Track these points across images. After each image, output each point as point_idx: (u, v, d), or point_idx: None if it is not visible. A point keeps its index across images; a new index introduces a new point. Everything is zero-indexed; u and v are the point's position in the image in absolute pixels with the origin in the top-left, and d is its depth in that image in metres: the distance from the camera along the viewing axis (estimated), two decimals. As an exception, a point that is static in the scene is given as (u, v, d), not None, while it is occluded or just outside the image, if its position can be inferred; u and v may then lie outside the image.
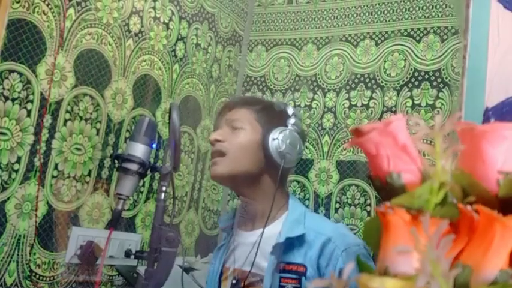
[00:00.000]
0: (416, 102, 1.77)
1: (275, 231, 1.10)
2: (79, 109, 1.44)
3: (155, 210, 1.17)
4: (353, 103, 1.90)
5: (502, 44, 0.56)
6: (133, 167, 1.15)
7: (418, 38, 1.81)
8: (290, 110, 1.19)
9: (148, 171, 1.18)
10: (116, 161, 1.16)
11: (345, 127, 1.87)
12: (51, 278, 1.39)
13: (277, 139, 1.12)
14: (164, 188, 1.17)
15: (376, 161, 0.35)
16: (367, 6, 1.93)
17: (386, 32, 1.88)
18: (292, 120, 1.17)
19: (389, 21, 1.89)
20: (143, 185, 1.68)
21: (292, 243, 1.08)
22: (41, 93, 1.33)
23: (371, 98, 1.87)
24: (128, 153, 1.15)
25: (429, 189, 0.33)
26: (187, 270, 1.79)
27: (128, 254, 1.32)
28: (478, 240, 0.30)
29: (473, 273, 0.29)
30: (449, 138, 0.34)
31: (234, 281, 1.10)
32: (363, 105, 1.88)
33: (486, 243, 0.29)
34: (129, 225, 1.66)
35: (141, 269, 1.64)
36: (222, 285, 1.18)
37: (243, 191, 1.18)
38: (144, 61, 1.66)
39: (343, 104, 1.91)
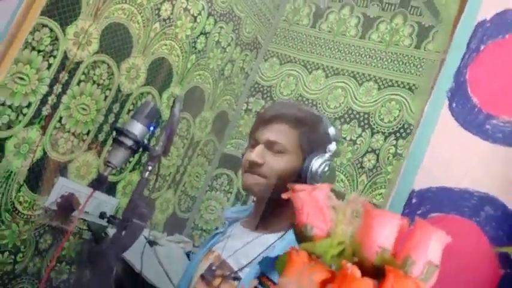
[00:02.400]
0: (399, 151, 1.90)
1: (271, 241, 1.07)
2: (94, 74, 1.56)
3: (137, 184, 1.30)
4: (343, 135, 2.02)
5: (442, 142, 0.69)
6: (128, 142, 1.27)
7: (416, 94, 1.94)
8: (332, 133, 1.12)
9: (140, 150, 1.31)
10: (114, 132, 1.29)
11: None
12: (29, 216, 1.52)
13: (317, 173, 1.07)
14: (150, 168, 1.30)
15: (299, 214, 0.47)
16: (380, 51, 2.06)
17: (390, 80, 2.01)
18: (333, 147, 1.11)
19: (396, 71, 2.01)
20: (133, 156, 1.80)
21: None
22: (65, 52, 1.45)
23: (360, 135, 2.00)
24: (126, 128, 1.27)
25: (328, 244, 0.45)
26: (151, 243, 1.91)
27: (102, 215, 1.44)
28: (345, 287, 0.42)
29: (333, 310, 0.41)
30: (355, 212, 0.47)
31: (212, 267, 1.10)
32: (351, 139, 2.01)
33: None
34: (110, 189, 1.79)
35: (110, 231, 1.77)
36: (200, 263, 1.18)
37: (267, 204, 1.13)
38: (165, 45, 1.79)
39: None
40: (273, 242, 1.05)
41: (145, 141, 1.31)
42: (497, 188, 0.62)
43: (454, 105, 0.68)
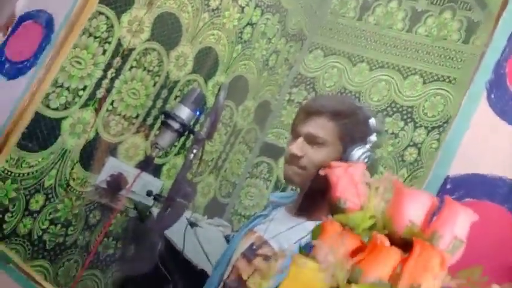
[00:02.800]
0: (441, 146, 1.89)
1: (309, 229, 1.01)
2: (145, 60, 1.64)
3: (182, 166, 1.37)
4: (385, 129, 2.02)
5: (479, 130, 0.71)
6: (175, 125, 1.35)
7: (459, 88, 1.92)
8: (373, 124, 1.14)
9: (186, 133, 1.38)
10: (162, 116, 1.36)
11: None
12: (80, 193, 1.62)
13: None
14: (195, 151, 1.37)
15: (335, 188, 0.51)
16: (426, 45, 2.04)
17: (436, 74, 1.99)
18: (373, 138, 1.12)
19: (442, 65, 1.99)
20: (179, 139, 1.87)
21: None
22: (119, 39, 1.53)
23: (402, 129, 2.00)
24: (174, 112, 1.34)
25: (361, 217, 0.49)
26: (192, 224, 1.99)
27: (149, 193, 1.52)
28: (373, 256, 0.46)
29: (362, 275, 0.45)
30: (387, 189, 0.50)
31: (253, 246, 1.15)
32: (393, 133, 2.01)
33: (376, 258, 0.45)
34: (156, 171, 1.87)
35: (154, 210, 1.86)
36: (241, 242, 1.22)
37: (309, 192, 1.16)
38: (213, 35, 1.84)
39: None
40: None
41: (191, 126, 1.38)
42: (531, 177, 0.64)
43: (492, 96, 0.70)
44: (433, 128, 1.94)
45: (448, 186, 0.69)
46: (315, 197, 1.13)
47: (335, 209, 0.51)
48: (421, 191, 0.49)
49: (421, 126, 1.97)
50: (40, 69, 1.22)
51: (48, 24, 1.27)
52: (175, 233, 1.71)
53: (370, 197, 0.50)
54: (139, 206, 1.81)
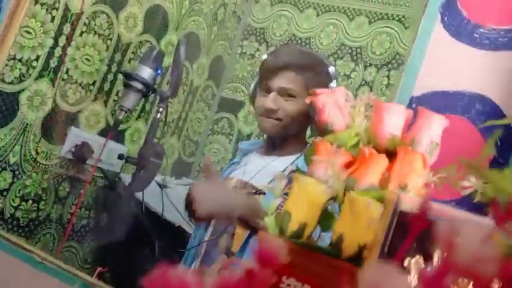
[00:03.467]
0: (391, 82, 1.99)
1: (286, 162, 1.24)
2: (95, 24, 1.60)
3: (150, 126, 1.38)
4: (338, 71, 2.10)
5: (437, 51, 0.77)
6: (138, 85, 1.35)
7: (407, 25, 2.01)
8: (332, 72, 1.28)
9: (150, 93, 1.38)
10: (124, 78, 1.36)
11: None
12: (47, 166, 1.60)
13: None
14: (161, 109, 1.38)
15: (321, 113, 0.56)
16: (369, -15, 2.10)
17: (380, 13, 2.07)
18: (333, 85, 1.27)
19: (385, 4, 2.06)
20: (143, 99, 1.85)
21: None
22: (66, 3, 1.48)
23: (353, 70, 2.08)
24: (136, 72, 1.35)
25: (347, 135, 0.54)
26: (161, 186, 2.01)
27: (120, 157, 1.53)
28: (363, 166, 0.52)
29: (356, 183, 0.51)
30: (367, 106, 0.55)
31: (236, 189, 1.24)
32: (345, 74, 2.09)
33: (366, 168, 0.51)
34: (119, 137, 1.87)
35: (123, 176, 1.87)
36: None
37: (279, 135, 1.29)
38: (159, -8, 1.82)
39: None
40: (293, 160, 1.23)
41: (154, 85, 1.39)
42: (486, 88, 0.72)
43: (445, 18, 0.76)
44: (382, 65, 2.03)
45: (414, 106, 0.75)
46: (285, 138, 1.27)
47: (323, 131, 0.56)
48: (396, 104, 0.55)
49: (371, 65, 2.06)
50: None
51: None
52: (149, 197, 1.74)
53: (353, 117, 0.55)
54: (108, 173, 1.81)
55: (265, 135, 1.39)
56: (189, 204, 0.94)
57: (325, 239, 0.55)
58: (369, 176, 0.51)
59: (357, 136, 0.55)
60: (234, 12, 2.27)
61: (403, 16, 2.02)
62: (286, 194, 0.55)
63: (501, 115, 0.72)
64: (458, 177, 0.51)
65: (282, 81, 1.24)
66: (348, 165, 0.53)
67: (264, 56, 1.34)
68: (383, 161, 0.51)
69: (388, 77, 2.01)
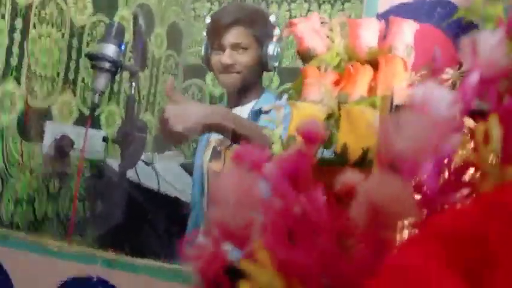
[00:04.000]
0: (347, 14, 2.02)
1: (248, 108, 1.37)
2: (46, 13, 1.57)
3: (126, 103, 1.39)
4: (293, 15, 2.12)
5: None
6: (106, 65, 1.35)
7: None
8: (274, 20, 1.39)
9: (119, 70, 1.38)
10: (90, 59, 1.35)
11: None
12: (31, 166, 1.60)
13: (274, 55, 1.35)
14: (134, 84, 1.39)
15: (301, 41, 0.59)
16: None
17: None
18: (277, 32, 1.38)
19: None
20: (113, 77, 1.84)
21: (258, 115, 1.33)
22: (11, -1, 1.45)
23: (309, 10, 2.10)
24: (100, 52, 1.34)
25: (329, 56, 0.58)
26: (148, 163, 2.02)
27: (105, 139, 1.54)
28: (351, 81, 0.56)
29: (348, 96, 0.55)
30: (343, 30, 0.59)
31: (217, 148, 1.35)
32: (301, 15, 2.11)
33: (354, 82, 0.55)
34: (94, 123, 1.86)
35: (109, 161, 1.88)
36: (204, 155, 1.40)
37: (240, 90, 1.40)
38: (101, -31, 1.77)
39: (285, 16, 2.13)
40: (253, 105, 1.35)
41: (121, 61, 1.38)
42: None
43: None
44: (335, 0, 2.06)
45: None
46: (244, 89, 1.37)
47: (307, 58, 0.60)
48: (368, 18, 0.59)
49: (324, 2, 2.08)
50: None
51: None
52: (141, 175, 1.76)
53: (332, 38, 0.59)
54: (93, 162, 1.81)
55: (225, 92, 1.50)
56: (163, 127, 0.99)
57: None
58: (357, 88, 0.55)
59: (338, 56, 0.59)
60: (179, -25, 2.24)
61: None
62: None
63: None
64: (436, 72, 0.55)
65: (233, 36, 1.33)
66: (336, 84, 0.57)
67: (208, 18, 1.41)
68: (368, 72, 0.55)
69: (343, 10, 2.04)
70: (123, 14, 1.91)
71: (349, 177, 0.29)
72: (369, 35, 0.58)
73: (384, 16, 0.80)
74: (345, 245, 0.27)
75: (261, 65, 1.37)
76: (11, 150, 1.52)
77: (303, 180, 0.29)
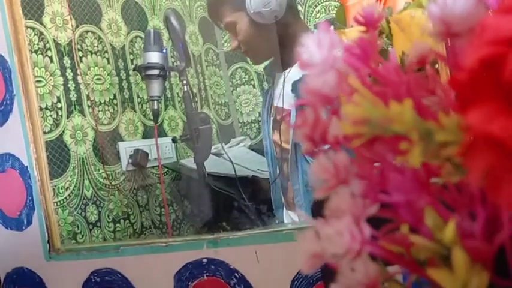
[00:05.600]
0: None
1: (297, 69, 1.32)
2: (87, 45, 1.66)
3: (183, 101, 1.45)
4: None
5: None
6: (155, 72, 1.41)
7: None
8: None
9: (168, 73, 1.44)
10: (139, 72, 1.42)
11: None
12: (117, 186, 1.71)
13: (254, 11, 1.27)
14: (185, 82, 1.44)
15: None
16: None
17: None
18: None
19: None
20: (166, 81, 1.92)
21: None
22: (54, 40, 1.54)
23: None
24: (147, 62, 1.40)
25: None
26: (218, 155, 2.09)
27: (174, 140, 1.61)
28: None
29: (392, 9, 0.56)
30: None
31: (272, 117, 1.39)
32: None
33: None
34: (160, 132, 1.95)
35: (183, 161, 1.97)
36: (269, 119, 1.44)
37: (268, 53, 1.43)
38: (123, -12, 1.84)
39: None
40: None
41: (167, 64, 1.44)
42: None
43: None
44: None
45: None
46: (282, 51, 1.35)
47: None
48: None
49: None
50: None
51: (3, 67, 1.29)
52: (215, 166, 1.83)
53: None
54: (170, 166, 1.91)
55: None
56: None
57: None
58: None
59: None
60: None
61: None
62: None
63: None
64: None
65: (225, 22, 1.35)
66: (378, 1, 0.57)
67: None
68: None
69: None
70: (154, 23, 1.97)
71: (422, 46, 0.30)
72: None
73: None
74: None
75: (260, 29, 1.30)
76: (95, 177, 1.63)
77: (373, 57, 0.30)
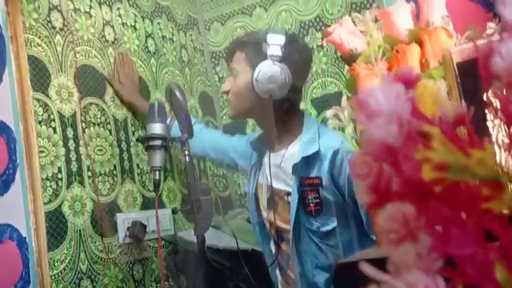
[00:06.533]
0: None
1: (294, 151, 1.33)
2: (90, 117, 1.68)
3: (185, 171, 1.44)
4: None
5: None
6: (158, 142, 1.42)
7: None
8: (269, 39, 1.23)
9: (170, 143, 1.45)
10: (142, 143, 1.42)
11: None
12: (113, 259, 1.66)
13: (258, 80, 1.26)
14: (187, 152, 1.45)
15: (341, 46, 0.63)
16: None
17: (318, -21, 2.16)
18: (271, 51, 1.22)
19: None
20: (167, 151, 1.91)
21: (308, 161, 1.30)
22: (58, 112, 1.56)
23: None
24: (150, 133, 1.41)
25: (372, 49, 0.61)
26: (217, 228, 2.05)
27: (174, 211, 1.59)
28: (402, 62, 0.58)
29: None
30: (377, 23, 0.62)
31: (268, 196, 1.36)
32: (318, 46, 2.17)
33: (405, 62, 0.58)
34: (159, 204, 1.92)
35: (181, 233, 1.92)
36: (258, 198, 1.44)
37: (258, 123, 1.44)
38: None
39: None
40: (297, 149, 1.34)
41: (170, 135, 1.45)
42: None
43: None
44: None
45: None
46: (281, 127, 1.37)
47: (351, 59, 0.63)
48: (397, 4, 0.62)
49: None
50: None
51: (8, 136, 1.30)
52: (214, 239, 1.79)
53: (369, 33, 0.62)
54: (168, 238, 1.86)
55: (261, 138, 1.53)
56: None
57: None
58: (410, 65, 0.58)
59: (380, 47, 0.62)
60: (195, 48, 2.36)
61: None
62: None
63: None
64: (480, 30, 0.57)
65: (232, 63, 1.41)
66: (389, 70, 0.59)
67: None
68: (415, 49, 0.58)
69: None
70: (157, 96, 2.02)
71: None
72: (402, 19, 0.61)
73: None
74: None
75: (251, 91, 1.29)
76: (91, 249, 1.58)
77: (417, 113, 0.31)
